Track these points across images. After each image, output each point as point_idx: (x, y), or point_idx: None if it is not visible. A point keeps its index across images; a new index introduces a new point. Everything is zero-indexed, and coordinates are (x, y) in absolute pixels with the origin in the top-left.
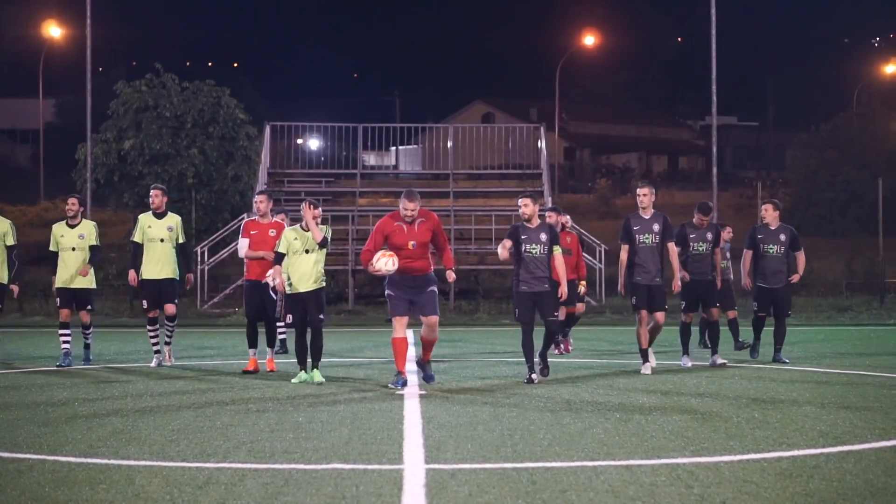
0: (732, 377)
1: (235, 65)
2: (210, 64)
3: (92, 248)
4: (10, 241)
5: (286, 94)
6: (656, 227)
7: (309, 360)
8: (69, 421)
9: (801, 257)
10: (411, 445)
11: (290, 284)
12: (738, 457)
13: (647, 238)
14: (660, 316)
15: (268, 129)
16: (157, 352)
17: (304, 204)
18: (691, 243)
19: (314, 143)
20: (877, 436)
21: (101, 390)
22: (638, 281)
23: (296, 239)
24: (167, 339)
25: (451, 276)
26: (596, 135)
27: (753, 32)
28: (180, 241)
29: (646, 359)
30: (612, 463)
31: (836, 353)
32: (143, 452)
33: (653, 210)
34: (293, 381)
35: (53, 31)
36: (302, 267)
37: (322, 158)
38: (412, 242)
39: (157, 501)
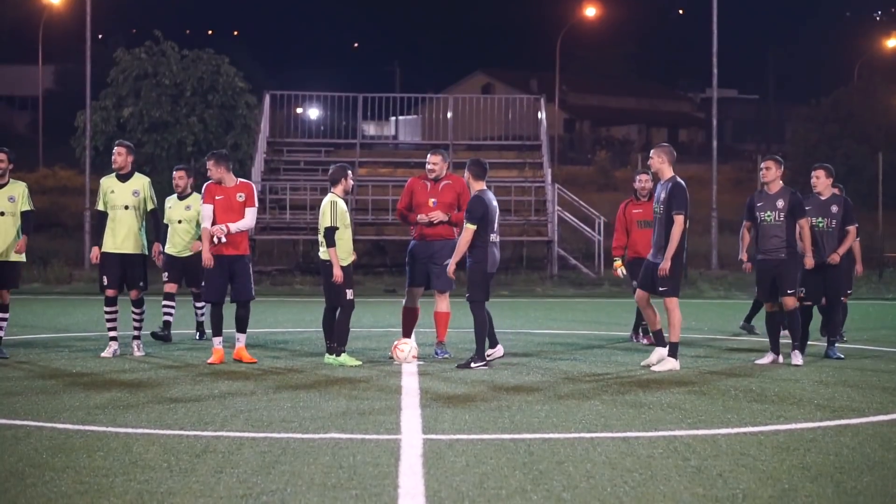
0: (730, 351)
1: (235, 33)
2: (210, 32)
3: (24, 213)
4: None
5: (286, 64)
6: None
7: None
8: (67, 388)
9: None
10: (409, 416)
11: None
12: (736, 430)
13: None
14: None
15: (267, 98)
16: (114, 338)
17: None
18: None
19: (314, 113)
20: (874, 410)
21: (98, 359)
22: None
23: (346, 211)
24: (135, 329)
25: (436, 215)
26: (596, 107)
27: (754, 5)
28: (150, 207)
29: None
30: (610, 435)
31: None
32: (140, 420)
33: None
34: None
35: None
36: (348, 241)
37: (321, 128)
38: (433, 200)
39: (155, 469)
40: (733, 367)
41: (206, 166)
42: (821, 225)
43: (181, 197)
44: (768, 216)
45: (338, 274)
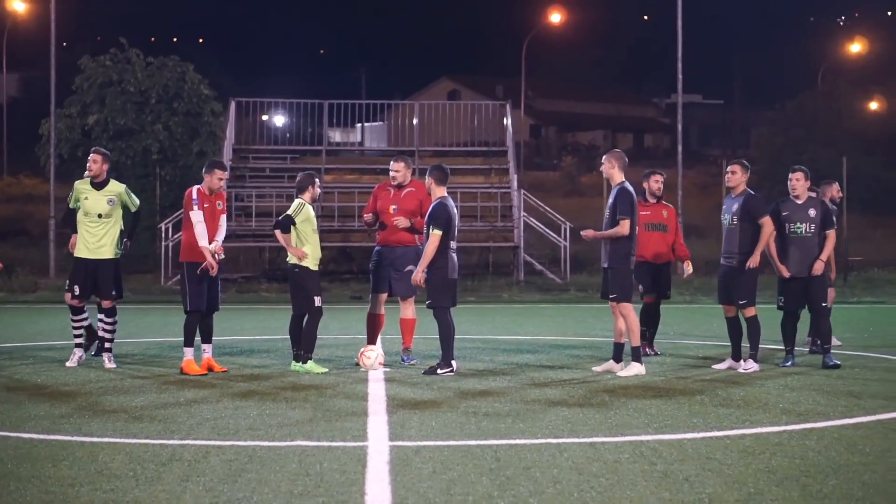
0: (695, 356)
1: (200, 40)
2: (175, 39)
3: None
4: None
5: (251, 70)
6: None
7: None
8: (32, 397)
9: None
10: (375, 423)
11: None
12: (702, 434)
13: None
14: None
15: (233, 105)
16: (80, 345)
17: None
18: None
19: (279, 120)
20: (839, 414)
21: (64, 368)
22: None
23: (314, 216)
24: (107, 341)
25: (401, 221)
26: (562, 112)
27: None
28: (132, 209)
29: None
30: (577, 440)
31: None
32: (106, 429)
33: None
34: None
35: (17, 4)
36: (316, 247)
37: (287, 135)
38: (393, 207)
39: (120, 478)
40: (699, 372)
41: (207, 175)
42: (799, 230)
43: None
44: (725, 219)
45: (297, 251)
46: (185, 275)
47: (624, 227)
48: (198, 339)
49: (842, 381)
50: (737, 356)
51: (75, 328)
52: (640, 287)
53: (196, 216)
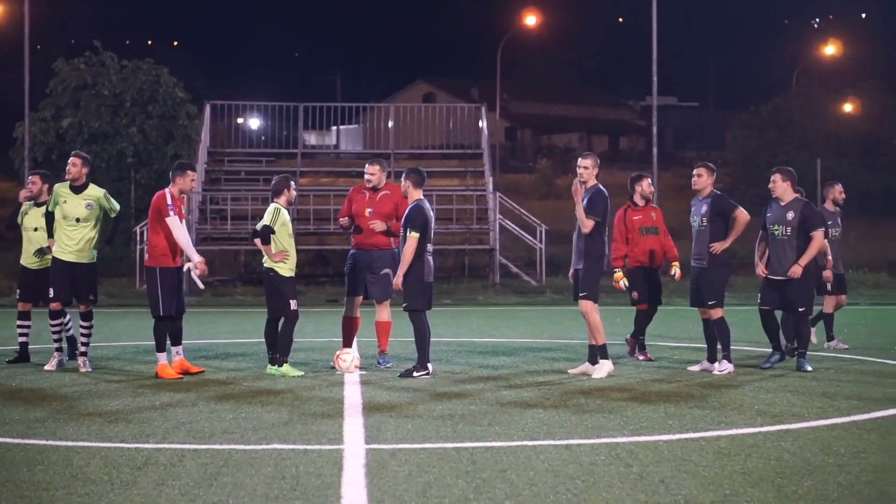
0: (670, 358)
1: (175, 43)
2: (150, 42)
3: None
4: None
5: (226, 73)
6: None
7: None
8: (6, 401)
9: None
10: (351, 426)
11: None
12: (677, 436)
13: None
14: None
15: (208, 109)
16: (59, 349)
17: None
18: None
19: (254, 123)
20: (814, 415)
21: (39, 371)
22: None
23: (289, 221)
24: (83, 345)
25: (378, 225)
26: (537, 115)
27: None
28: (112, 215)
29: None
30: (552, 442)
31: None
32: (81, 433)
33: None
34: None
35: None
36: (291, 249)
37: (262, 138)
38: (369, 210)
39: (96, 482)
40: (675, 374)
41: (179, 177)
42: (776, 232)
43: (38, 203)
44: (694, 221)
45: (278, 255)
46: (156, 280)
47: (589, 225)
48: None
49: (816, 382)
50: (712, 358)
51: (54, 332)
52: (635, 294)
53: (174, 222)
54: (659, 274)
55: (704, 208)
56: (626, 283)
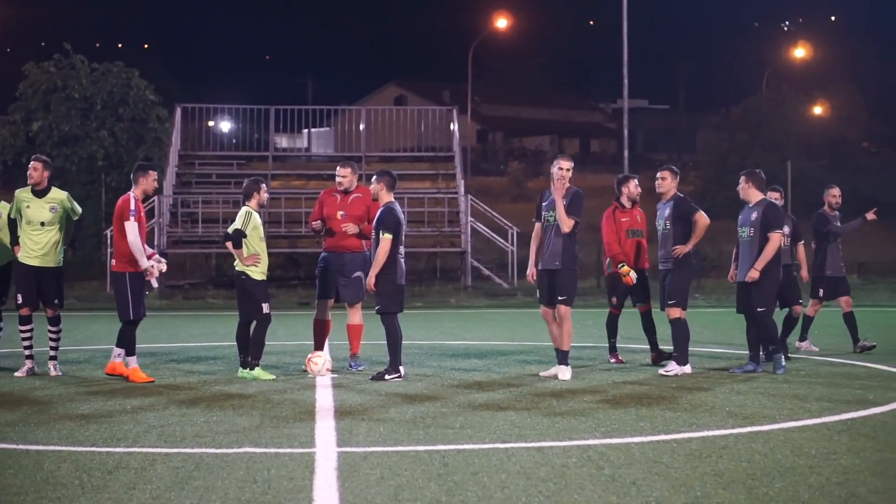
0: (641, 360)
1: (146, 46)
2: (120, 45)
3: None
4: None
5: (198, 76)
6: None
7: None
8: None
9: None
10: (323, 429)
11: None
12: (649, 437)
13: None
14: None
15: (178, 111)
16: (30, 357)
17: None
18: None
19: (225, 126)
20: (785, 416)
21: (10, 378)
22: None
23: (261, 224)
24: (52, 350)
25: (351, 227)
26: (508, 117)
27: (664, 16)
28: (75, 218)
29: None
30: (524, 445)
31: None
32: (52, 437)
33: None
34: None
35: None
36: (263, 253)
37: (233, 141)
38: (341, 213)
39: (67, 486)
40: (646, 376)
41: (142, 177)
42: (742, 234)
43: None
44: (659, 224)
45: (250, 258)
46: (126, 284)
47: (570, 224)
48: (116, 347)
49: (787, 384)
50: (679, 359)
51: (24, 338)
52: (614, 299)
53: (131, 227)
54: (646, 274)
55: (668, 211)
56: (635, 275)
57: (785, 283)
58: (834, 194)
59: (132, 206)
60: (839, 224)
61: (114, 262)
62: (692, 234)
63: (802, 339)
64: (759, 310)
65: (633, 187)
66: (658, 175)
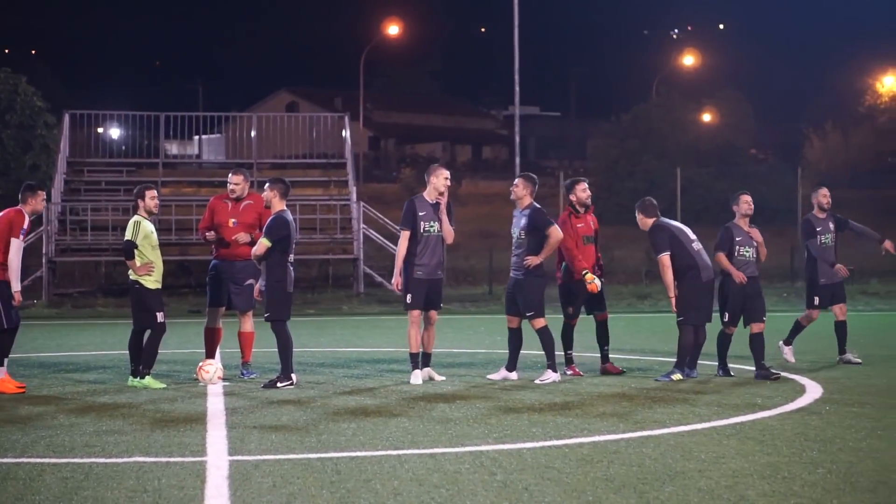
0: (534, 367)
1: (34, 52)
2: (6, 51)
3: None
4: None
5: (86, 82)
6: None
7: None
8: None
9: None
10: (214, 437)
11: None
12: (541, 443)
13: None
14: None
15: (66, 118)
16: None
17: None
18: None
19: (115, 132)
20: (675, 421)
21: None
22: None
23: (152, 232)
24: None
25: (242, 237)
26: (401, 124)
27: (555, 23)
28: None
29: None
30: (417, 451)
31: (636, 339)
32: None
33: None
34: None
35: None
36: (159, 263)
37: (123, 147)
38: (233, 220)
39: None
40: (537, 382)
41: (31, 197)
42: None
43: None
44: (514, 233)
45: (143, 268)
46: (2, 293)
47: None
48: None
49: (677, 387)
50: (510, 367)
51: None
52: (570, 309)
53: (18, 246)
54: (603, 280)
55: (524, 221)
56: (599, 283)
57: (747, 298)
58: (824, 194)
59: (25, 225)
60: (831, 226)
61: None
62: (545, 246)
63: (788, 342)
64: (678, 319)
65: (579, 192)
66: (514, 182)
